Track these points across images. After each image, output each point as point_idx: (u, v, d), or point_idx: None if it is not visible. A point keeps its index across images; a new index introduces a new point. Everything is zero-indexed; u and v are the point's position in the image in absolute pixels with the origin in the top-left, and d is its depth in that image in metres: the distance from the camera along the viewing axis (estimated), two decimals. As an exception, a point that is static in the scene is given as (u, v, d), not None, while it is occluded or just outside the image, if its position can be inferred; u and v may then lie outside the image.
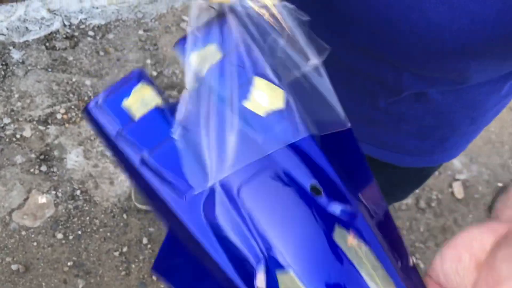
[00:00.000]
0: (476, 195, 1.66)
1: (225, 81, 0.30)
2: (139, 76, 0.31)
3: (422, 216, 1.58)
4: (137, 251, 1.29)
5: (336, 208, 0.29)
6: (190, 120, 0.30)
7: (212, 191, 0.29)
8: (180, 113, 0.30)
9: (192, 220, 0.29)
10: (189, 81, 0.30)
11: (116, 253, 1.28)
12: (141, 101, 0.31)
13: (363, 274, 0.28)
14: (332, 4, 0.41)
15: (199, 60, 0.31)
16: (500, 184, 1.68)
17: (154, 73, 1.59)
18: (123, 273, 1.26)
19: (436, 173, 1.66)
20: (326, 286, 0.27)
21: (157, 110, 0.31)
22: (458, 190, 1.66)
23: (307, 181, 0.29)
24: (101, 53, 1.59)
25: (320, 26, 0.39)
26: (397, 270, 0.30)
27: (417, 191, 1.59)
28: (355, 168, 0.33)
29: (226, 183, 0.29)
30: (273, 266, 0.28)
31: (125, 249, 1.29)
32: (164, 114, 0.31)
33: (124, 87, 0.31)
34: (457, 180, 1.67)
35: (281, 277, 0.28)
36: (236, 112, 0.29)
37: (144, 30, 1.67)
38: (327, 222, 0.29)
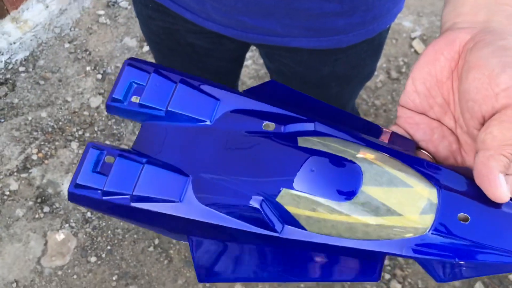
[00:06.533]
0: (436, 43, 1.71)
1: None
2: (92, 146, 0.36)
3: (399, 84, 1.63)
4: (168, 237, 1.33)
5: (291, 128, 0.34)
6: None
7: (196, 183, 0.34)
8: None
9: (197, 212, 0.33)
10: None
11: (151, 248, 1.32)
12: (105, 161, 0.35)
13: (332, 151, 0.32)
14: None
15: None
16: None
17: (99, 76, 1.58)
18: (166, 261, 1.30)
19: (394, 41, 1.69)
20: (314, 179, 0.31)
21: (120, 156, 0.35)
22: (419, 47, 1.71)
23: (260, 125, 0.35)
24: (41, 82, 1.56)
25: None
26: (375, 141, 0.34)
27: (384, 65, 1.63)
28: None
29: (199, 171, 0.34)
30: (270, 198, 0.32)
31: (156, 242, 1.32)
32: (127, 154, 0.35)
33: (87, 159, 0.35)
34: (414, 38, 1.71)
35: (281, 200, 0.31)
36: None
37: (69, 42, 1.64)
38: (289, 140, 0.33)
